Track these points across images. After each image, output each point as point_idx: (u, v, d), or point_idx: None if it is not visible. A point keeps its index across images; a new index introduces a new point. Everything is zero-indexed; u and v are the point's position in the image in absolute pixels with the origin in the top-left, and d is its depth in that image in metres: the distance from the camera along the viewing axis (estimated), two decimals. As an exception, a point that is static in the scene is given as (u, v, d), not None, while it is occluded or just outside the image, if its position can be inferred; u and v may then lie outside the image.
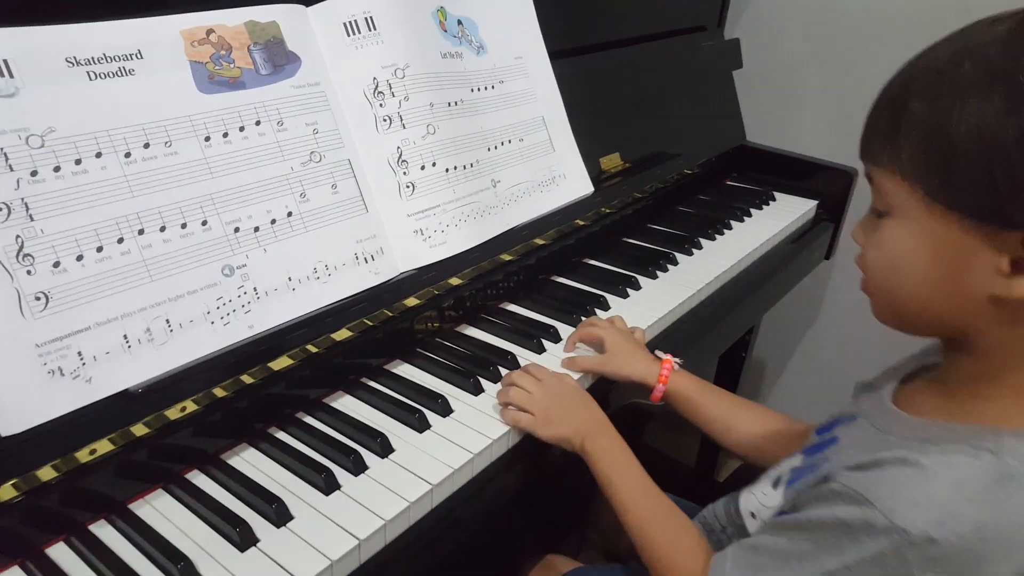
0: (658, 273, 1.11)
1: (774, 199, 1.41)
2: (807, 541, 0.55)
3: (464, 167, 0.90)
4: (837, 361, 1.64)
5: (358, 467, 0.69)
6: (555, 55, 1.07)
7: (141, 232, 0.64)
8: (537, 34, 1.05)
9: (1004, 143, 0.47)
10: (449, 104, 0.90)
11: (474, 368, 0.84)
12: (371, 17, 0.83)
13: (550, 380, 0.80)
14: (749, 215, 1.33)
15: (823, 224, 1.39)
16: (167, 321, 0.65)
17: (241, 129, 0.72)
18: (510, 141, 0.98)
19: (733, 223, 1.29)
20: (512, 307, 1.01)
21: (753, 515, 0.70)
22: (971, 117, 0.48)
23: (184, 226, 0.67)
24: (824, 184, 1.41)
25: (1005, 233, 0.49)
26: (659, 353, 0.89)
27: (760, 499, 0.69)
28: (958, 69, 0.49)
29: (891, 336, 0.62)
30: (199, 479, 0.68)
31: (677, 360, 0.88)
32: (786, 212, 1.36)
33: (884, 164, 0.54)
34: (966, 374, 0.56)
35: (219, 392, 0.69)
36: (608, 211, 1.16)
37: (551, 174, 1.04)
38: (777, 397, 1.85)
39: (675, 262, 1.14)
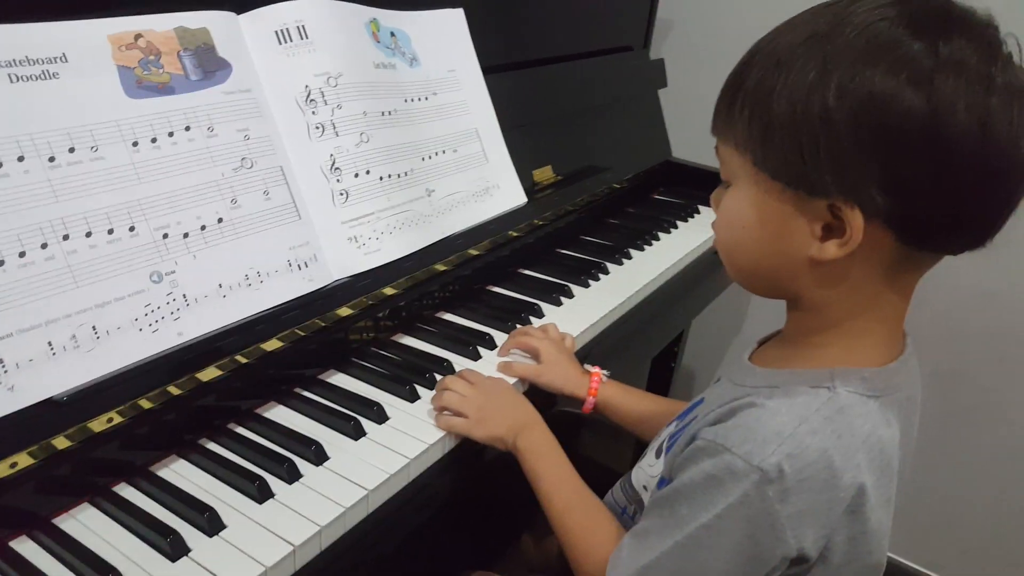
0: (590, 282, 1.13)
1: (699, 212, 1.46)
2: (684, 505, 0.56)
3: (398, 176, 0.91)
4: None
5: (292, 475, 0.68)
6: (488, 70, 1.09)
7: (66, 238, 0.63)
8: (470, 49, 1.07)
9: (810, 116, 0.50)
10: (383, 113, 0.90)
11: (410, 375, 0.84)
12: (303, 26, 0.83)
13: (484, 382, 0.81)
14: (675, 227, 1.38)
15: (745, 236, 1.44)
16: (94, 328, 0.63)
17: (170, 134, 0.71)
18: (444, 151, 1.00)
19: (661, 235, 1.34)
20: (448, 316, 1.01)
21: (645, 487, 0.71)
22: (788, 92, 0.52)
23: (111, 232, 0.65)
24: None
25: (814, 200, 0.53)
26: (588, 367, 0.92)
27: (647, 471, 0.71)
28: (787, 47, 0.53)
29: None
30: (127, 491, 0.66)
31: (605, 372, 0.91)
32: (709, 225, 1.40)
33: (725, 136, 0.58)
34: (803, 328, 0.61)
35: (146, 403, 0.67)
36: (541, 222, 1.18)
37: (485, 184, 1.06)
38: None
39: (606, 271, 1.17)
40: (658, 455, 0.70)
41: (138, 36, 0.71)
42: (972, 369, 1.51)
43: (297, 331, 0.80)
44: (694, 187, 1.52)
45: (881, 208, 0.51)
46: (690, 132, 1.63)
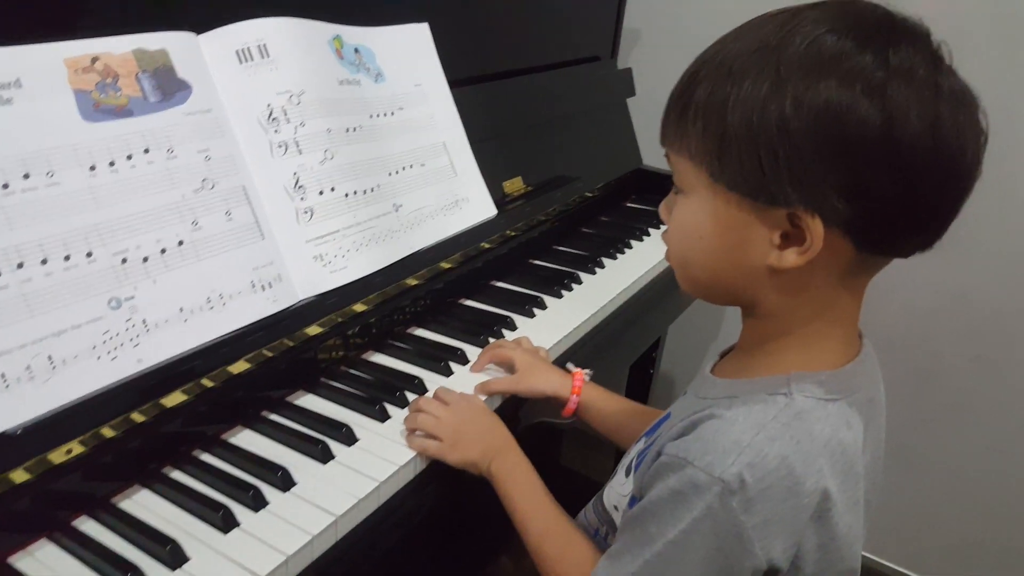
0: (563, 293, 1.13)
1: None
2: (652, 523, 0.56)
3: (364, 192, 0.90)
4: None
5: (258, 503, 0.67)
6: (455, 83, 1.08)
7: (20, 266, 0.61)
8: (436, 62, 1.06)
9: (767, 127, 0.51)
10: (347, 130, 0.90)
11: (380, 394, 0.83)
12: (264, 45, 0.82)
13: (458, 403, 0.81)
14: (648, 235, 1.38)
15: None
16: (49, 358, 0.61)
17: (129, 157, 0.70)
18: (411, 166, 0.99)
19: (633, 243, 1.34)
20: (419, 331, 1.01)
21: (616, 508, 0.71)
22: (742, 103, 0.52)
23: (67, 258, 0.64)
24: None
25: (773, 210, 0.53)
26: (569, 366, 0.91)
27: (618, 490, 0.71)
28: (736, 59, 0.53)
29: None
30: (87, 525, 0.64)
31: (587, 372, 0.90)
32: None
33: (677, 147, 0.58)
34: (759, 336, 0.62)
35: (108, 432, 0.66)
36: (513, 233, 1.18)
37: (454, 198, 1.05)
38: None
39: (579, 281, 1.17)
40: (628, 473, 0.69)
41: (95, 59, 0.70)
42: (947, 370, 1.52)
43: (265, 352, 0.79)
44: (665, 194, 1.51)
45: (841, 215, 0.51)
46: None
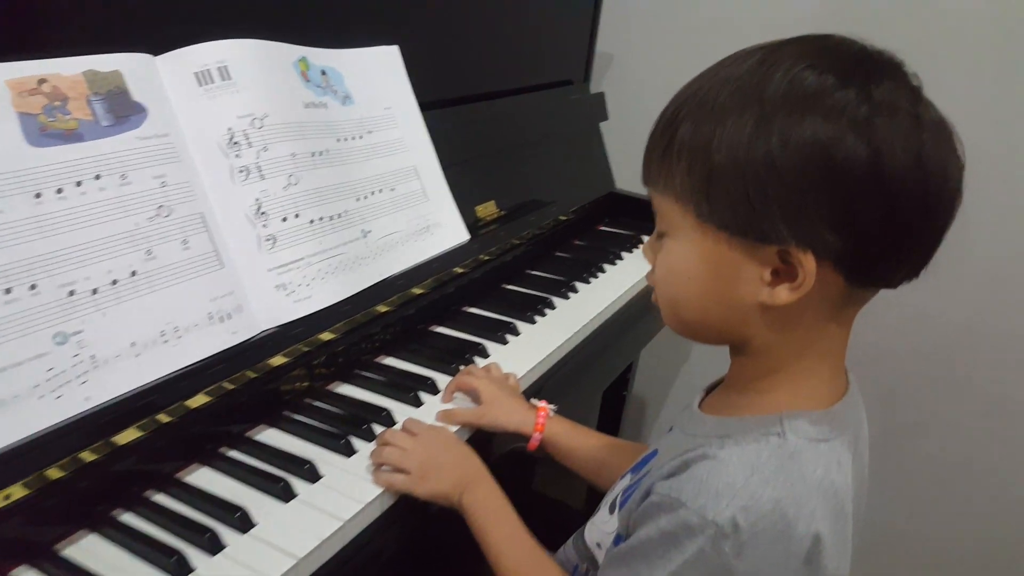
0: (536, 318, 1.11)
1: (643, 242, 1.45)
2: (641, 563, 0.55)
3: (331, 218, 0.88)
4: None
5: (214, 546, 0.63)
6: (426, 106, 1.06)
7: (-44, 300, 0.58)
8: (406, 85, 1.04)
9: (755, 165, 0.50)
10: (313, 154, 0.87)
11: (346, 428, 0.80)
12: (225, 67, 0.79)
13: (427, 434, 0.78)
14: (621, 258, 1.37)
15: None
16: (-13, 398, 0.58)
17: (78, 184, 0.67)
18: (381, 191, 0.97)
19: (607, 267, 1.32)
20: (389, 360, 0.98)
21: (599, 545, 0.69)
22: (728, 141, 0.51)
23: (8, 291, 0.61)
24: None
25: (764, 247, 0.53)
26: (534, 401, 0.89)
27: (601, 527, 0.69)
28: (717, 97, 0.53)
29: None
30: (28, 575, 0.60)
31: (552, 407, 0.88)
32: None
33: (661, 188, 0.57)
34: (749, 373, 0.61)
35: (54, 473, 0.62)
36: (486, 258, 1.16)
37: (425, 223, 1.03)
38: (659, 429, 1.90)
39: (553, 307, 1.15)
40: (612, 510, 0.67)
41: (42, 81, 0.67)
42: (906, 390, 1.53)
43: (225, 384, 0.75)
44: (638, 218, 1.51)
45: (832, 249, 0.51)
46: (633, 164, 1.63)
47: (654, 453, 0.66)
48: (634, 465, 0.69)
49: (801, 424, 0.56)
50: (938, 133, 0.51)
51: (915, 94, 0.52)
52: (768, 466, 0.53)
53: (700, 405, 0.66)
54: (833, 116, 0.49)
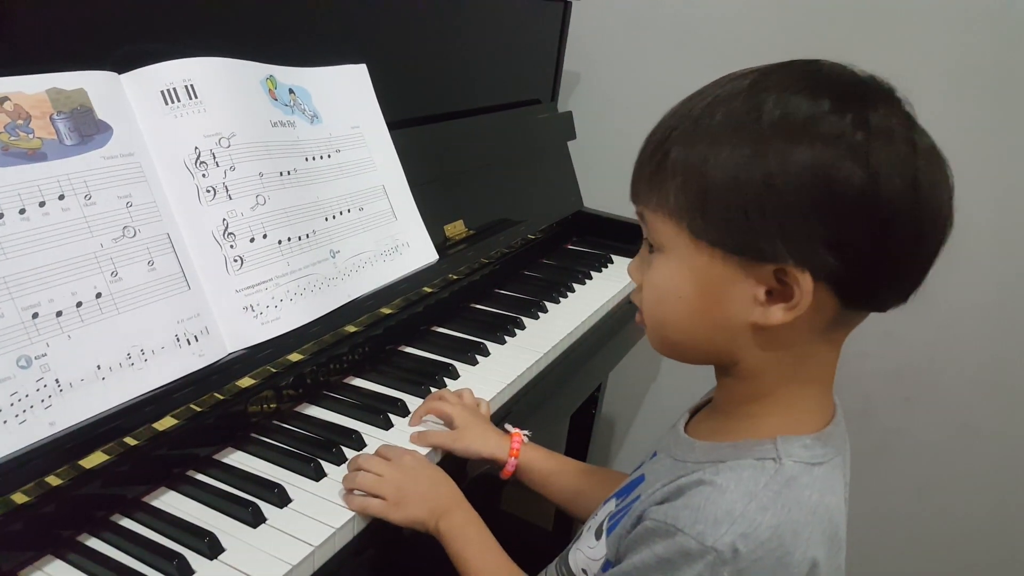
0: (506, 338, 1.11)
1: (612, 262, 1.47)
2: None
3: (299, 238, 0.87)
4: (680, 409, 1.72)
5: (183, 572, 0.62)
6: (394, 125, 1.06)
7: (-88, 324, 0.56)
8: (374, 104, 1.04)
9: (753, 185, 0.51)
10: (281, 174, 0.86)
11: (315, 451, 0.79)
12: (192, 85, 0.79)
13: (402, 459, 0.77)
14: (590, 277, 1.38)
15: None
16: (-56, 425, 0.56)
17: (41, 204, 0.65)
18: (349, 211, 0.96)
19: (576, 286, 1.33)
20: (357, 381, 0.97)
21: (584, 572, 0.69)
22: (724, 162, 0.52)
23: (-32, 314, 0.59)
24: (657, 246, 1.48)
25: (759, 265, 0.53)
26: (508, 427, 0.89)
27: (587, 553, 0.69)
28: (711, 119, 0.53)
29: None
30: (-14, 606, 0.58)
31: (526, 433, 0.88)
32: (623, 274, 1.39)
33: (653, 205, 0.57)
34: (738, 396, 0.61)
35: (20, 498, 0.60)
36: (455, 277, 1.16)
37: (394, 243, 1.02)
38: (628, 451, 1.90)
39: (522, 326, 1.15)
40: (598, 536, 0.67)
41: (4, 99, 0.65)
42: (878, 410, 1.55)
43: (193, 407, 0.74)
44: (606, 237, 1.53)
45: (829, 269, 0.51)
46: (601, 182, 1.65)
47: (641, 478, 0.65)
48: (619, 490, 0.68)
49: (795, 448, 0.56)
50: (931, 159, 0.52)
51: (909, 120, 0.53)
52: (766, 493, 0.53)
53: (686, 429, 0.65)
54: (831, 141, 0.50)
